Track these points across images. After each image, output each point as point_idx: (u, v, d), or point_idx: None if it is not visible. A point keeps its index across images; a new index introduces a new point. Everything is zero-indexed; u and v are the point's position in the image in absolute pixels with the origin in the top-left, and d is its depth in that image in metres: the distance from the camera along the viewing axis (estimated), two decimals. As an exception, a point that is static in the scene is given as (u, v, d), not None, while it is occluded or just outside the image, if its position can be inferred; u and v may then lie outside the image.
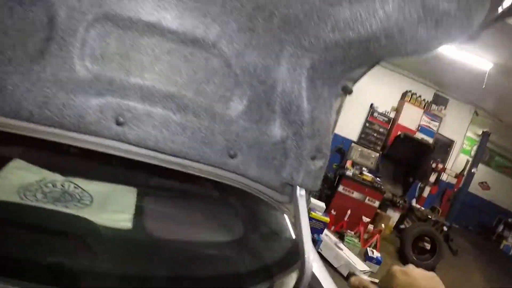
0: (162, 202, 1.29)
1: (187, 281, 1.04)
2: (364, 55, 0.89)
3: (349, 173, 6.21)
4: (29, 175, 1.17)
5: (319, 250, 4.65)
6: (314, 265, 1.25)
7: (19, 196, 1.02)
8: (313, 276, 1.23)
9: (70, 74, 0.84)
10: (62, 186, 1.16)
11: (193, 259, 1.13)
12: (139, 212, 1.12)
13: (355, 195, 6.07)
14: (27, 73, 0.83)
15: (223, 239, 1.25)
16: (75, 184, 1.18)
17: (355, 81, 1.12)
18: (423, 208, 6.81)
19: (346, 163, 6.80)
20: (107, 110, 0.85)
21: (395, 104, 7.62)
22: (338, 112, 1.28)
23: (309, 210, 4.39)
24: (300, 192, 1.06)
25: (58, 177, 1.19)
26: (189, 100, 0.89)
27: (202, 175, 0.97)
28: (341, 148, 7.39)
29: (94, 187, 1.20)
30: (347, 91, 1.07)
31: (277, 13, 0.83)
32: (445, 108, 7.98)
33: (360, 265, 4.43)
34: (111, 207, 1.09)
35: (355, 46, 0.85)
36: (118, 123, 0.85)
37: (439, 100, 8.00)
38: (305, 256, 1.00)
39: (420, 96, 7.53)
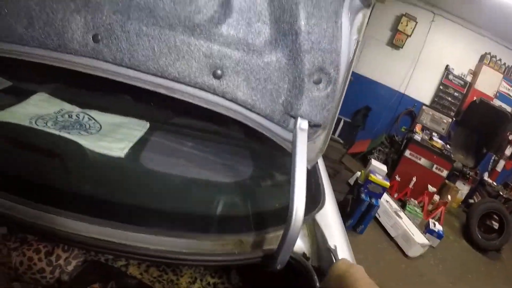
0: (169, 138, 1.26)
1: (165, 215, 0.97)
2: None
3: (417, 137, 5.73)
4: (49, 106, 1.24)
5: (377, 215, 4.42)
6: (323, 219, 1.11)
7: (29, 122, 1.08)
8: (318, 230, 1.11)
9: None
10: (77, 116, 1.20)
11: (177, 195, 1.06)
12: (140, 143, 1.11)
13: (422, 161, 5.61)
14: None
15: (216, 179, 1.16)
16: (89, 115, 1.22)
17: None
18: (495, 184, 6.07)
19: (415, 126, 6.27)
20: (84, 26, 0.82)
21: (473, 67, 6.70)
22: (359, 31, 1.01)
23: (369, 172, 4.13)
24: (301, 125, 0.89)
25: (76, 109, 1.25)
26: (165, 12, 0.81)
27: (190, 100, 0.91)
28: (412, 110, 6.81)
29: (107, 118, 1.22)
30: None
31: None
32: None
33: (419, 237, 4.10)
34: (114, 136, 1.10)
35: None
36: (95, 40, 0.83)
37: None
38: (294, 206, 0.79)
39: (500, 60, 6.46)
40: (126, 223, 0.83)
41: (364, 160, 6.21)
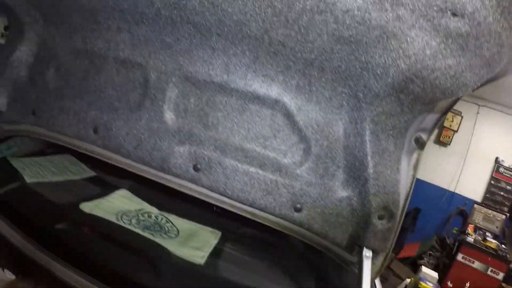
0: (240, 248, 1.39)
1: None
2: (415, 100, 0.86)
3: (470, 239, 5.40)
4: (131, 203, 1.44)
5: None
6: None
7: (116, 218, 1.26)
8: None
9: (159, 124, 1.08)
10: (156, 218, 1.39)
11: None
12: (215, 253, 1.25)
13: (476, 265, 5.20)
14: (127, 120, 1.10)
15: None
16: (167, 218, 1.40)
17: (429, 131, 1.02)
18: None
19: (467, 227, 5.91)
20: (187, 156, 1.03)
21: (525, 157, 6.45)
22: (415, 168, 1.18)
23: (419, 279, 3.90)
24: (366, 253, 1.02)
25: (154, 210, 1.44)
26: (257, 153, 1.00)
27: (271, 226, 1.05)
28: (463, 209, 6.48)
29: (183, 224, 1.39)
30: (420, 143, 1.00)
31: (327, 67, 0.89)
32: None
33: None
34: (192, 244, 1.25)
35: (400, 91, 0.84)
36: (195, 169, 1.02)
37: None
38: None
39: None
40: None
41: (414, 265, 5.82)
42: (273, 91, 0.97)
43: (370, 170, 0.96)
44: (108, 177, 1.70)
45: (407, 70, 0.78)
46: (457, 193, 6.60)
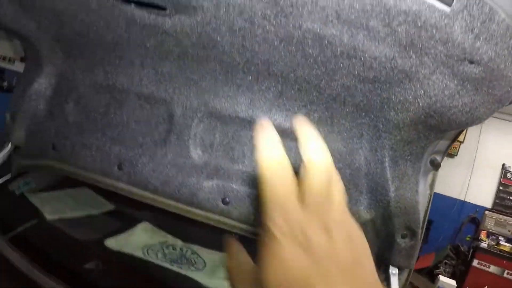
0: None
1: None
2: (432, 129, 0.90)
3: (484, 245, 5.41)
4: (154, 236, 1.44)
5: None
6: None
7: (142, 252, 1.27)
8: None
9: (186, 160, 1.08)
10: (181, 250, 1.39)
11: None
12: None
13: (492, 269, 5.18)
14: (153, 156, 1.10)
15: None
16: (192, 250, 1.40)
17: (443, 153, 1.09)
18: None
19: (480, 233, 5.87)
20: (215, 191, 1.04)
21: (531, 162, 6.45)
22: (431, 187, 1.28)
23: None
24: (392, 271, 1.06)
25: (178, 242, 1.44)
26: None
27: None
28: (474, 217, 6.45)
29: (208, 255, 1.39)
30: (435, 164, 1.06)
31: (349, 100, 0.93)
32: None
33: None
34: (219, 275, 1.25)
35: (419, 123, 0.88)
36: (224, 203, 1.03)
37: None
38: None
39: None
40: None
41: (430, 275, 5.77)
42: None
43: (392, 194, 1.00)
44: (127, 209, 1.69)
45: (427, 107, 0.83)
46: (467, 202, 6.57)
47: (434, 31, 0.69)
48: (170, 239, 1.46)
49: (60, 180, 1.79)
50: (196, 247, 1.41)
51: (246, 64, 0.91)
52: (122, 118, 1.18)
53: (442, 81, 0.78)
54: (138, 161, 1.10)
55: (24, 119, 1.32)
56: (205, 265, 1.31)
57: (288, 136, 1.04)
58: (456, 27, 0.67)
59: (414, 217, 1.01)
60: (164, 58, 1.02)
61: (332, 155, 0.95)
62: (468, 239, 6.28)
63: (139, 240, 1.41)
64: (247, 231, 1.04)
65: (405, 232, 1.03)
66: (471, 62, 0.72)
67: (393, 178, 0.98)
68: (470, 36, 0.67)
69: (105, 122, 1.22)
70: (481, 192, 6.53)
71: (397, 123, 0.90)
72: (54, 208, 1.54)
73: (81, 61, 1.20)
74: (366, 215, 1.04)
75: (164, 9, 0.86)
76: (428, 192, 1.08)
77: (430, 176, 1.07)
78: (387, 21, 0.70)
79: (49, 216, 1.45)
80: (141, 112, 1.14)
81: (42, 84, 1.28)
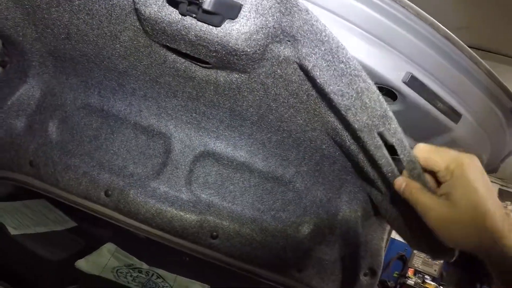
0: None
1: None
2: None
3: (410, 282, 5.86)
4: (120, 258, 1.46)
5: None
6: None
7: (113, 275, 1.28)
8: None
9: (178, 194, 1.12)
10: (147, 273, 1.42)
11: None
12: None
13: (417, 306, 5.55)
14: (145, 187, 1.11)
15: None
16: (157, 274, 1.44)
17: None
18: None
19: (407, 271, 6.35)
20: (205, 226, 1.11)
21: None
22: (389, 234, 1.49)
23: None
24: None
25: (144, 265, 1.47)
26: (268, 224, 1.13)
27: (273, 283, 1.17)
28: (403, 255, 6.93)
29: (174, 279, 1.44)
30: None
31: (339, 161, 1.08)
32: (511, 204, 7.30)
33: None
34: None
35: None
36: (213, 237, 1.11)
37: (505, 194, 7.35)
38: None
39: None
40: None
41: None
42: (289, 173, 1.12)
43: (362, 239, 1.15)
44: (89, 227, 1.67)
45: None
46: (397, 239, 7.04)
47: None
48: (136, 262, 1.48)
49: (14, 189, 1.71)
50: (161, 271, 1.45)
51: (260, 118, 0.96)
52: (113, 145, 1.17)
53: None
54: (129, 191, 1.09)
55: None
56: (172, 291, 1.36)
57: (280, 182, 1.14)
58: None
59: (378, 259, 1.17)
60: (172, 96, 1.01)
61: (314, 202, 1.09)
62: (395, 275, 6.72)
63: (107, 262, 1.41)
64: (234, 265, 1.12)
65: (367, 271, 1.18)
66: None
67: (364, 226, 1.14)
68: None
69: (94, 146, 1.19)
70: (411, 232, 7.04)
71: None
72: (16, 222, 1.48)
73: (74, 79, 1.14)
74: (337, 254, 1.19)
75: (207, 63, 0.80)
76: (385, 237, 1.24)
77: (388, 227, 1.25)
78: None
79: (13, 231, 1.39)
80: (135, 142, 1.14)
81: (23, 96, 1.18)
